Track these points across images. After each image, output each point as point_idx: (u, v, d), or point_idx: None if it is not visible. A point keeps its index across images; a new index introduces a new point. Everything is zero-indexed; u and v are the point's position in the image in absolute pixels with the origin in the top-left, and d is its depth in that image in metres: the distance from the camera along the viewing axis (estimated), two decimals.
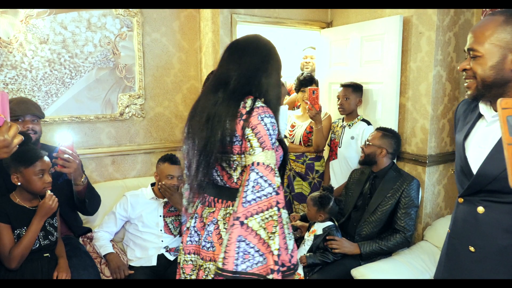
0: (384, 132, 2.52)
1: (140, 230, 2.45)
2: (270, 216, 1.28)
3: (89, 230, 2.43)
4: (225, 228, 1.39)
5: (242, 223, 1.27)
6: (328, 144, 3.07)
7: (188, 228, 1.53)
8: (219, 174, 1.43)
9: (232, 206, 1.41)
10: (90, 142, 2.78)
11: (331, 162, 2.99)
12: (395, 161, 2.63)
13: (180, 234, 2.58)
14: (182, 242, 1.54)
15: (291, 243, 1.40)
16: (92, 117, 2.75)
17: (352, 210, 2.56)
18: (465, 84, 1.21)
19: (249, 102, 1.36)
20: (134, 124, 2.93)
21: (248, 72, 1.40)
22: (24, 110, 2.01)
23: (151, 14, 2.89)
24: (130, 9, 2.77)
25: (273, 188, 1.30)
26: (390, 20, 2.73)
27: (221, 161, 1.38)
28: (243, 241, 1.27)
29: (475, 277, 1.22)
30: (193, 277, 1.48)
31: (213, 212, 1.46)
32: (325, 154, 3.18)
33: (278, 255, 1.27)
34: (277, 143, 1.43)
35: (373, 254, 2.36)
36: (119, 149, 2.88)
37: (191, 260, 1.51)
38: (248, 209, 1.28)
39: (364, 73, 2.99)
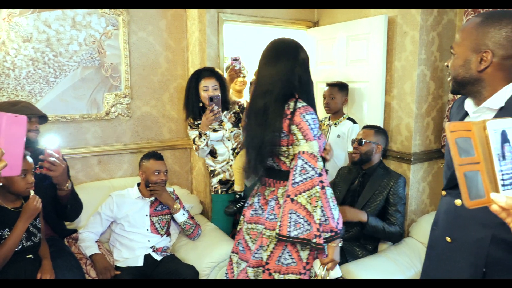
0: (376, 129, 2.56)
1: (126, 230, 2.43)
2: (314, 193, 1.61)
3: (74, 231, 2.40)
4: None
5: (292, 200, 1.63)
6: None
7: (251, 204, 1.88)
8: (275, 161, 1.75)
9: (287, 185, 1.70)
10: (75, 142, 2.75)
11: None
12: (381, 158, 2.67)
13: (167, 234, 2.57)
14: (243, 215, 1.92)
15: (336, 213, 1.66)
16: (77, 117, 2.72)
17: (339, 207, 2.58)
18: (448, 79, 1.27)
19: (292, 104, 1.66)
20: (120, 123, 2.91)
21: (286, 76, 1.68)
22: (36, 111, 2.12)
23: (137, 13, 2.87)
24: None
25: (316, 171, 1.62)
26: (375, 20, 2.76)
27: (274, 152, 1.70)
28: (294, 213, 1.62)
29: (451, 266, 1.27)
30: (258, 242, 1.78)
31: (273, 191, 1.78)
32: None
33: (320, 224, 1.60)
34: (319, 133, 1.72)
35: (374, 230, 2.35)
36: (105, 149, 2.86)
37: (256, 229, 1.83)
38: (297, 188, 1.62)
39: (350, 72, 3.01)
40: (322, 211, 1.61)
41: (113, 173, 2.92)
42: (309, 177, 1.62)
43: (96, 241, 2.43)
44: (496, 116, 1.13)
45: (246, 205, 1.94)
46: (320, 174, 1.62)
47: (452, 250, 1.27)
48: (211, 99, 2.41)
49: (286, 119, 1.65)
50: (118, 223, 2.46)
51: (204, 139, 2.48)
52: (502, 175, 0.66)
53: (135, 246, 2.41)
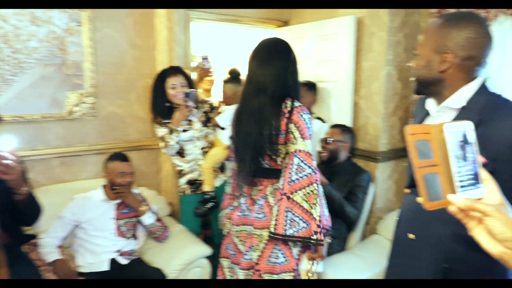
0: (342, 128, 2.60)
1: (90, 234, 2.35)
2: (311, 191, 1.64)
3: (34, 236, 2.29)
4: (274, 200, 1.73)
5: (288, 198, 1.65)
6: None
7: (237, 206, 1.87)
8: (265, 160, 1.74)
9: (277, 183, 1.73)
10: (35, 143, 2.63)
11: None
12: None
13: (134, 237, 2.50)
14: (230, 218, 1.91)
15: (326, 211, 1.74)
16: (37, 117, 2.60)
17: None
18: (413, 78, 1.29)
19: (289, 103, 1.68)
20: (84, 123, 2.81)
21: (281, 76, 1.69)
22: None
23: (102, 10, 2.78)
24: None
25: (312, 169, 1.65)
26: (344, 20, 2.78)
27: (268, 150, 1.69)
28: (290, 211, 1.64)
29: (414, 263, 1.29)
30: (247, 242, 1.78)
31: (261, 189, 1.78)
32: None
33: (320, 220, 1.64)
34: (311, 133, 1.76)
35: (331, 199, 2.36)
36: (68, 150, 2.75)
37: (245, 230, 1.82)
38: (293, 186, 1.64)
39: (319, 72, 3.03)
40: (321, 210, 1.67)
41: (77, 175, 2.81)
42: (305, 175, 1.65)
43: (58, 246, 2.33)
44: (457, 115, 1.15)
45: (231, 207, 1.94)
46: (315, 173, 1.67)
47: (415, 246, 1.29)
48: (186, 94, 2.37)
49: (284, 117, 1.67)
50: (82, 227, 2.37)
51: (176, 136, 2.43)
52: (460, 176, 0.67)
53: (99, 251, 2.33)
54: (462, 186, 0.67)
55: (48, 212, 2.34)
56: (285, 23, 3.41)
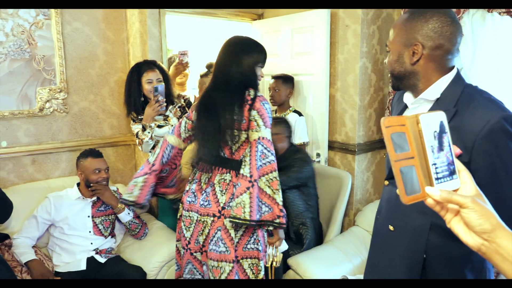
0: (275, 120, 2.57)
1: (66, 233, 2.29)
2: (274, 177, 1.72)
3: (7, 236, 2.21)
4: (220, 191, 1.80)
5: (257, 184, 1.70)
6: None
7: (188, 190, 1.90)
8: (221, 147, 1.80)
9: (226, 174, 1.81)
10: (5, 140, 2.53)
11: None
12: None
13: (112, 235, 2.45)
14: (182, 202, 1.91)
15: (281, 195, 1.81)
16: (6, 114, 2.51)
17: None
18: (389, 75, 1.30)
19: (252, 92, 1.76)
20: (56, 120, 2.72)
21: (245, 69, 1.79)
22: None
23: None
24: None
25: (274, 156, 1.74)
26: (318, 13, 2.79)
27: (226, 134, 1.75)
28: (257, 197, 1.69)
29: (394, 254, 1.31)
30: (191, 229, 1.87)
31: (210, 177, 1.84)
32: None
33: (282, 205, 1.71)
34: None
35: None
36: (40, 148, 2.66)
37: (189, 216, 1.87)
38: (259, 172, 1.71)
39: (295, 65, 3.03)
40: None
41: (50, 173, 2.73)
42: (268, 162, 1.72)
43: (33, 247, 2.27)
44: (432, 107, 1.18)
45: (184, 191, 1.95)
46: (275, 160, 1.75)
47: (394, 238, 1.30)
48: (155, 89, 2.32)
49: (246, 104, 1.74)
50: (57, 226, 2.31)
51: (149, 132, 2.38)
52: (436, 168, 0.67)
53: (76, 250, 2.28)
54: (437, 178, 0.67)
55: (21, 212, 2.27)
56: (260, 16, 3.39)
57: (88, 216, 2.35)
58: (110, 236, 2.43)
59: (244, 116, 1.74)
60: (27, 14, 2.51)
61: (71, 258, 2.27)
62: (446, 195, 0.66)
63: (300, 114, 2.89)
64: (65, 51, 2.69)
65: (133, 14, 2.82)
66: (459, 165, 0.70)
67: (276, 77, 2.90)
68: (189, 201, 1.88)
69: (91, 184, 2.33)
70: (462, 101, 1.12)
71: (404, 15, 1.20)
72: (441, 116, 0.69)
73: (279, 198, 1.71)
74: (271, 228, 1.75)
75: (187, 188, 1.93)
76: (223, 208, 1.79)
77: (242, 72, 1.79)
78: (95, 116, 2.89)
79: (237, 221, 1.69)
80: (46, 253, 2.35)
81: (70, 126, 2.78)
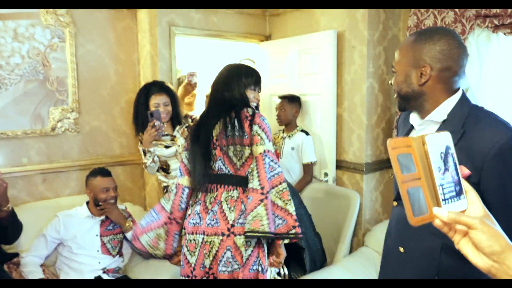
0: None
1: (74, 252, 2.30)
2: (284, 188, 1.73)
3: (16, 255, 2.23)
4: (228, 208, 1.77)
5: (269, 195, 1.70)
6: None
7: (190, 214, 1.85)
8: (224, 163, 1.81)
9: (233, 190, 1.79)
10: (17, 159, 2.58)
11: None
12: None
13: (120, 254, 2.46)
14: (184, 227, 1.85)
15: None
16: (19, 133, 2.57)
17: None
18: (395, 95, 1.30)
19: (249, 109, 1.80)
20: (67, 139, 2.78)
21: (236, 93, 1.84)
22: None
23: (85, 25, 2.78)
24: (61, 19, 2.64)
25: (280, 168, 1.76)
26: (325, 34, 2.84)
27: (229, 151, 1.77)
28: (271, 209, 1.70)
29: (404, 276, 1.28)
30: (196, 253, 1.80)
31: (216, 196, 1.81)
32: None
33: (296, 215, 1.71)
34: None
35: None
36: (51, 166, 2.70)
37: (194, 240, 1.81)
38: (269, 184, 1.71)
39: (302, 85, 3.07)
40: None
41: (60, 192, 2.76)
42: (277, 173, 1.74)
43: (41, 265, 2.28)
44: (439, 128, 1.18)
45: (186, 216, 1.89)
46: (282, 171, 1.78)
47: (405, 260, 1.28)
48: (151, 114, 2.30)
49: (246, 120, 1.77)
50: (66, 245, 2.32)
51: (150, 156, 2.38)
52: (443, 189, 0.66)
53: (84, 269, 2.28)
54: (444, 199, 0.67)
55: (30, 230, 2.29)
56: (267, 37, 3.46)
57: (97, 235, 2.37)
58: (118, 256, 2.43)
59: (246, 131, 1.76)
60: (42, 37, 2.60)
61: (78, 277, 2.27)
62: (454, 216, 0.64)
63: (307, 133, 2.91)
64: (78, 72, 2.77)
65: (144, 37, 2.90)
66: (466, 186, 0.69)
67: (282, 97, 2.94)
68: (193, 224, 1.82)
69: (100, 203, 2.35)
70: (469, 122, 1.13)
71: (411, 37, 1.22)
72: (447, 137, 0.68)
73: (291, 208, 1.70)
74: (286, 241, 1.72)
75: (188, 212, 1.88)
76: (232, 225, 1.74)
77: (233, 95, 1.83)
78: (105, 135, 2.94)
79: (256, 234, 1.65)
80: (54, 272, 2.36)
81: (81, 145, 2.83)
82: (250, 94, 1.89)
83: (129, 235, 2.41)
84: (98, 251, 2.34)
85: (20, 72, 2.54)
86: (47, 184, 2.71)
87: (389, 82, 1.31)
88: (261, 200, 1.68)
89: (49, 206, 2.58)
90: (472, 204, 0.68)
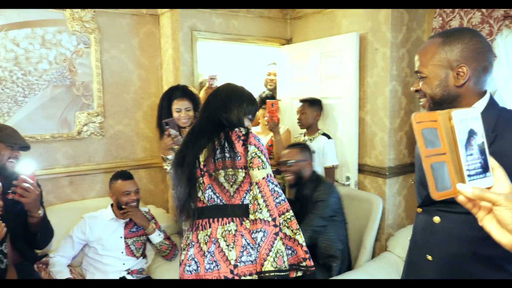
0: (299, 146, 2.58)
1: (99, 253, 2.35)
2: (292, 216, 1.56)
3: (45, 255, 2.30)
4: (227, 245, 1.53)
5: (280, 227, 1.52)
6: None
7: (183, 260, 1.61)
8: (215, 192, 1.59)
9: (229, 224, 1.56)
10: (45, 162, 2.66)
11: None
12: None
13: (143, 256, 2.49)
14: (180, 276, 1.63)
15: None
16: (47, 137, 2.64)
17: None
18: (420, 103, 1.26)
19: (242, 129, 1.61)
20: (92, 142, 2.84)
21: (234, 117, 1.66)
22: (21, 140, 2.06)
23: (109, 31, 2.84)
24: (87, 26, 2.71)
25: (283, 194, 1.59)
26: (347, 37, 2.82)
27: (220, 176, 1.55)
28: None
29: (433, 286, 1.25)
30: None
31: (210, 234, 1.57)
32: None
33: (307, 246, 1.56)
34: None
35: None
36: (77, 169, 2.77)
37: None
38: (277, 210, 1.54)
39: (324, 88, 3.05)
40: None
41: (86, 194, 2.83)
42: (283, 200, 1.57)
43: (68, 265, 2.34)
44: None
45: (180, 262, 1.67)
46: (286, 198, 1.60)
47: (433, 268, 1.25)
48: (166, 123, 2.30)
49: (239, 140, 1.58)
50: (91, 246, 2.38)
51: (168, 163, 2.39)
52: (468, 165, 0.65)
53: (109, 270, 2.33)
54: (469, 175, 0.65)
55: (58, 231, 2.35)
56: (288, 41, 3.45)
57: (121, 237, 2.41)
58: (141, 257, 2.47)
59: (239, 152, 1.56)
60: (69, 44, 2.67)
61: (103, 278, 2.32)
62: (478, 192, 0.64)
63: (329, 137, 2.89)
64: (103, 77, 2.83)
65: (166, 42, 2.95)
66: (493, 163, 0.68)
67: (303, 101, 2.94)
68: (190, 271, 1.58)
69: (123, 207, 2.39)
70: (501, 126, 1.10)
71: (436, 38, 1.18)
72: (474, 113, 0.67)
73: (301, 239, 1.55)
74: (299, 273, 1.57)
75: (182, 257, 1.64)
76: (235, 266, 1.51)
77: (230, 118, 1.66)
78: (129, 139, 2.99)
79: (283, 274, 1.46)
80: (80, 272, 2.42)
81: (105, 149, 2.90)
82: (246, 122, 1.73)
83: (152, 237, 2.45)
84: (122, 252, 2.39)
85: (47, 78, 2.62)
86: (74, 186, 2.78)
87: (412, 89, 1.25)
88: (276, 234, 1.50)
89: (75, 208, 2.64)
90: (498, 182, 0.67)
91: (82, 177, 2.81)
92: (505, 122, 1.10)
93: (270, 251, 1.48)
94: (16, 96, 2.52)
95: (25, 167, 1.87)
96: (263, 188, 1.52)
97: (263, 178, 1.54)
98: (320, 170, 2.92)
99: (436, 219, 1.23)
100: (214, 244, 1.55)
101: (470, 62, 1.12)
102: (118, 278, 2.32)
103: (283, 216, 1.55)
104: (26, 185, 1.83)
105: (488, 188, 0.66)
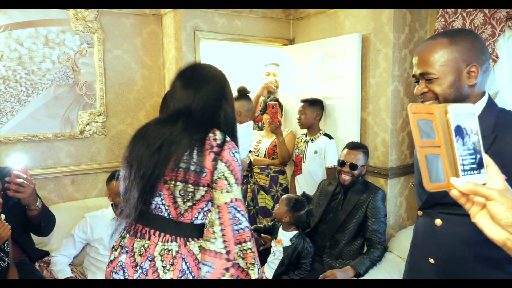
0: (363, 149, 2.52)
1: (101, 253, 2.36)
2: (249, 248, 1.35)
3: (47, 253, 2.31)
4: (163, 266, 1.30)
5: (228, 260, 1.28)
6: (292, 159, 3.11)
7: (112, 261, 1.38)
8: (164, 203, 1.33)
9: (171, 242, 1.32)
10: (48, 161, 2.68)
11: (296, 177, 3.03)
12: None
13: None
14: (105, 276, 1.43)
15: (259, 267, 1.44)
16: (50, 136, 2.65)
17: (320, 223, 2.57)
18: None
19: (219, 135, 1.33)
20: (95, 142, 2.85)
21: (212, 103, 1.38)
22: None
23: (112, 31, 2.85)
24: (90, 26, 2.72)
25: (247, 221, 1.36)
26: (350, 38, 2.82)
27: (176, 189, 1.30)
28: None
29: None
30: None
31: (148, 247, 1.33)
32: (289, 170, 3.21)
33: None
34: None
35: (367, 271, 2.32)
36: (79, 168, 2.78)
37: None
38: (235, 239, 1.32)
39: (326, 89, 3.05)
40: (258, 268, 1.39)
41: (88, 193, 2.84)
42: (242, 228, 1.34)
43: (69, 264, 2.35)
44: None
45: (108, 262, 1.45)
46: (249, 228, 1.38)
47: (436, 271, 1.24)
48: None
49: (210, 151, 1.29)
50: (93, 246, 2.38)
51: None
52: (463, 160, 0.65)
53: None
54: (464, 170, 0.65)
55: (60, 229, 2.37)
56: (291, 41, 3.46)
57: None
58: None
59: (206, 167, 1.28)
60: (72, 43, 2.68)
61: (105, 277, 2.32)
62: (472, 187, 0.64)
63: (330, 137, 2.89)
64: (106, 77, 2.84)
65: (169, 42, 2.95)
66: (487, 160, 0.68)
67: (303, 101, 2.94)
68: (117, 277, 1.36)
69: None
70: (500, 126, 1.10)
71: (442, 38, 1.15)
72: (470, 108, 0.67)
73: (254, 275, 1.35)
74: None
75: (111, 256, 1.41)
76: None
77: (207, 106, 1.38)
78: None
79: None
80: (81, 271, 2.43)
81: (107, 148, 2.91)
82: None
83: None
84: None
85: (51, 77, 2.63)
86: (76, 185, 2.79)
87: (418, 92, 1.19)
88: (227, 270, 1.27)
89: (77, 207, 2.65)
90: (492, 178, 0.67)
91: (85, 176, 2.82)
92: (505, 122, 1.10)
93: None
94: (20, 95, 2.54)
95: (17, 162, 1.86)
96: (223, 214, 1.29)
97: (225, 203, 1.30)
98: (321, 171, 2.92)
99: (438, 221, 1.23)
100: (150, 261, 1.31)
101: (479, 62, 1.12)
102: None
103: (239, 245, 1.35)
104: (20, 180, 1.83)
105: (483, 184, 0.66)
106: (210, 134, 1.33)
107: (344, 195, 2.52)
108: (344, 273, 2.27)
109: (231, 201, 1.31)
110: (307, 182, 2.93)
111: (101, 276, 2.33)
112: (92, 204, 2.69)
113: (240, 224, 1.33)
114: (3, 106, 2.49)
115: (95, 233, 2.37)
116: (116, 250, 1.40)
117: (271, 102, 2.87)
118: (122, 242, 1.40)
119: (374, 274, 2.39)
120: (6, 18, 2.44)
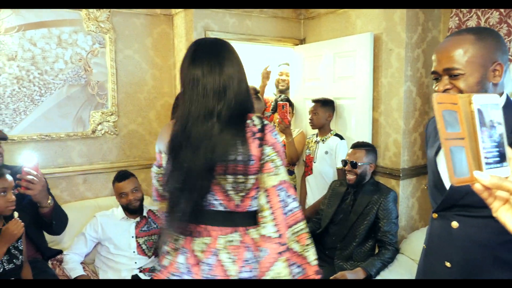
0: (366, 148, 2.53)
1: (112, 252, 2.37)
2: (302, 229, 1.30)
3: (59, 252, 2.33)
4: (229, 258, 1.27)
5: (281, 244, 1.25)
6: (303, 160, 3.10)
7: (167, 267, 1.33)
8: (217, 198, 1.28)
9: (233, 233, 1.29)
10: (60, 160, 2.70)
11: (307, 178, 3.01)
12: None
13: (155, 255, 2.51)
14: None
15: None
16: (62, 135, 2.68)
17: (330, 224, 2.55)
18: None
19: (256, 120, 1.28)
20: (106, 141, 2.87)
21: (240, 86, 1.29)
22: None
23: (123, 31, 2.87)
24: (102, 26, 2.74)
25: (297, 202, 1.31)
26: (361, 37, 2.80)
27: (227, 183, 1.25)
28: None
29: None
30: None
31: (210, 243, 1.29)
32: (300, 170, 3.20)
33: (318, 265, 1.31)
34: None
35: (378, 273, 2.31)
36: (91, 168, 2.80)
37: None
38: (286, 222, 1.29)
39: (337, 89, 3.03)
40: (314, 248, 1.35)
41: (99, 192, 2.86)
42: (290, 210, 1.29)
43: (81, 263, 2.37)
44: None
45: (157, 268, 1.43)
46: (300, 206, 1.34)
47: (453, 275, 1.21)
48: None
49: (254, 138, 1.25)
50: (103, 245, 2.40)
51: None
52: (486, 152, 0.63)
53: (121, 268, 2.35)
54: (487, 163, 0.63)
55: (71, 228, 2.39)
56: (302, 41, 3.44)
57: (132, 237, 2.43)
58: (153, 256, 2.49)
59: (253, 155, 1.24)
60: (84, 43, 2.70)
61: (116, 276, 2.34)
62: (496, 181, 0.62)
63: (341, 137, 2.87)
64: (117, 77, 2.86)
65: (180, 42, 2.96)
66: (510, 153, 0.66)
67: (315, 101, 2.92)
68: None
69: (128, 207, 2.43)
70: None
71: (468, 35, 1.12)
72: (495, 99, 0.65)
73: (312, 255, 1.31)
74: None
75: (164, 262, 1.35)
76: None
77: (237, 90, 1.28)
78: (142, 138, 3.02)
79: None
80: (93, 270, 2.44)
81: (119, 148, 2.92)
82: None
83: None
84: (134, 252, 2.40)
85: (63, 77, 2.65)
86: (87, 184, 2.82)
87: (441, 88, 1.14)
88: (280, 253, 1.23)
89: (89, 206, 2.67)
90: None
91: (96, 176, 2.84)
92: None
93: (265, 274, 1.23)
94: (33, 95, 2.56)
95: (28, 160, 1.88)
96: (272, 197, 1.26)
97: (273, 186, 1.26)
98: (332, 171, 2.90)
99: (454, 224, 1.20)
100: (215, 256, 1.28)
101: (503, 60, 1.10)
102: (130, 276, 2.33)
103: (291, 229, 1.29)
104: (30, 177, 1.85)
105: (505, 178, 0.64)
106: (248, 121, 1.27)
107: (354, 196, 2.50)
108: (355, 274, 2.25)
109: (280, 183, 1.27)
110: (317, 183, 2.91)
111: (112, 274, 2.34)
112: (104, 203, 2.71)
113: (287, 206, 1.29)
114: (17, 106, 2.52)
115: (106, 233, 2.39)
116: (169, 254, 1.35)
117: (281, 102, 2.86)
118: (176, 244, 1.34)
119: (385, 276, 2.36)
120: (19, 19, 2.47)
